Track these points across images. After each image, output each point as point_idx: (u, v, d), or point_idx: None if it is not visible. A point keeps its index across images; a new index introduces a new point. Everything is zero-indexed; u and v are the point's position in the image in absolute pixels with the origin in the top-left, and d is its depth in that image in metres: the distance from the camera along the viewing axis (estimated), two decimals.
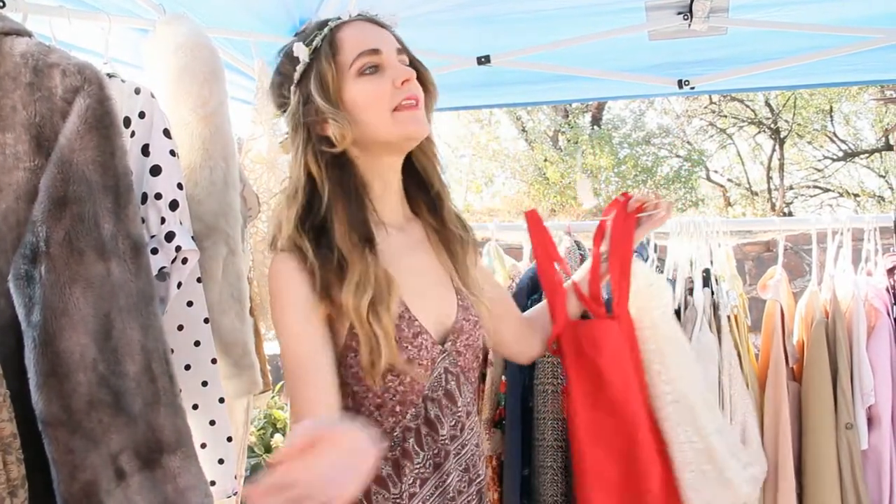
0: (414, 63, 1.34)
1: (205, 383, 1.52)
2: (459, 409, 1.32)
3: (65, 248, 1.12)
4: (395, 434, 1.28)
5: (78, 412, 1.10)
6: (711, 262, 2.33)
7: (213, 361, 1.56)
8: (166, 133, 1.47)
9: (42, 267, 1.10)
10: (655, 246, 2.43)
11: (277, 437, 3.97)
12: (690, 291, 2.29)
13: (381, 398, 1.27)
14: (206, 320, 1.55)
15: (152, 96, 1.41)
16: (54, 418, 1.09)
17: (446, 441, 1.29)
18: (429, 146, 1.39)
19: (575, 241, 2.42)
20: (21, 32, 1.18)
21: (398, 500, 1.28)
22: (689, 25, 2.55)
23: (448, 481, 1.28)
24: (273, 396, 3.71)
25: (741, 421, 2.13)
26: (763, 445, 2.15)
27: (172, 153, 1.47)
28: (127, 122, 1.44)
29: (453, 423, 1.31)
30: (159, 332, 1.21)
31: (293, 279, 1.25)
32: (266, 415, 4.09)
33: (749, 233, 5.46)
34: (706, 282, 2.27)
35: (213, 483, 1.55)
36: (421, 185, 1.41)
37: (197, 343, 1.54)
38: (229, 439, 1.58)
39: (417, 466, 1.28)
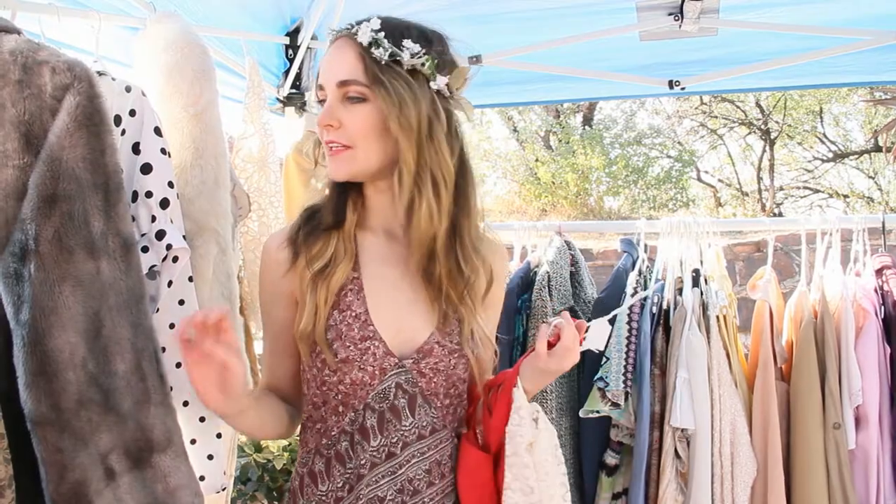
0: (373, 87, 1.23)
1: None
2: (406, 427, 1.28)
3: (54, 246, 1.11)
4: (333, 433, 1.29)
5: (67, 411, 1.08)
6: (701, 263, 2.34)
7: None
8: (157, 131, 1.47)
9: (31, 265, 1.09)
10: (646, 246, 2.44)
11: None
12: (680, 291, 2.30)
13: (326, 395, 1.29)
14: None
15: (143, 94, 1.41)
16: (43, 417, 1.08)
17: (376, 454, 1.27)
18: (403, 174, 1.26)
19: (565, 241, 2.43)
20: (10, 30, 1.17)
21: (324, 499, 1.29)
22: (680, 26, 2.57)
23: (373, 493, 1.26)
24: None
25: (730, 421, 2.14)
26: (752, 445, 2.17)
27: (163, 151, 1.47)
28: (117, 120, 1.43)
29: (395, 440, 1.27)
30: (149, 331, 1.20)
31: (270, 259, 1.36)
32: None
33: (739, 233, 5.49)
34: (696, 282, 2.28)
35: (202, 478, 1.55)
36: None
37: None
38: (219, 436, 1.58)
39: (348, 471, 1.28)
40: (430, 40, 1.28)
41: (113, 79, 1.48)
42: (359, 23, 1.26)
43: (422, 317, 1.31)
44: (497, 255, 1.42)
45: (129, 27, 2.03)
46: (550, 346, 1.30)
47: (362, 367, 1.26)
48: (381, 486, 1.26)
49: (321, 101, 1.29)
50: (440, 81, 1.27)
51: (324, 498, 1.29)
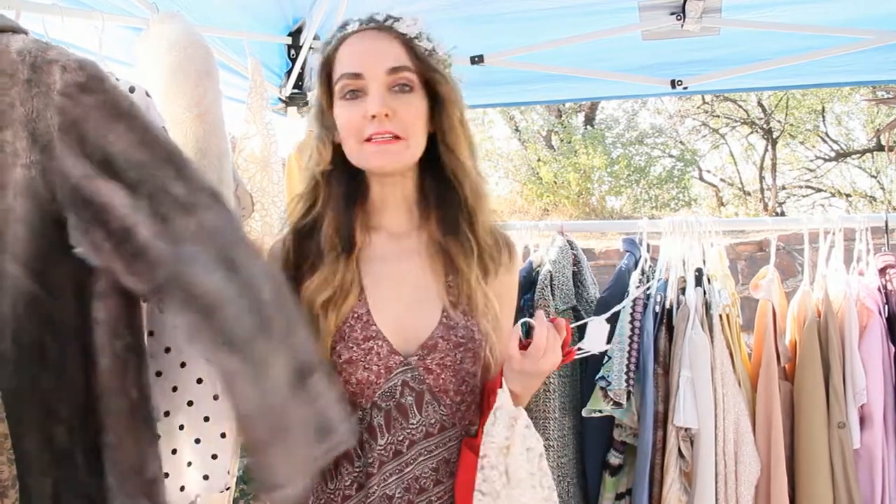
0: (419, 77, 1.26)
1: (199, 380, 1.52)
2: (413, 426, 1.28)
3: (156, 225, 1.11)
4: None
5: (241, 343, 1.08)
6: (704, 262, 2.34)
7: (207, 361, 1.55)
8: (162, 131, 1.47)
9: (142, 234, 1.10)
10: (648, 246, 2.44)
11: None
12: (683, 291, 2.30)
13: None
14: None
15: (147, 94, 1.40)
16: (223, 357, 1.08)
17: (384, 453, 1.27)
18: (454, 161, 1.30)
19: (568, 241, 2.43)
20: (16, 30, 1.18)
21: (332, 497, 1.29)
22: (682, 26, 2.56)
23: (382, 491, 1.26)
24: None
25: (734, 420, 2.14)
26: (755, 445, 2.16)
27: None
28: None
29: (401, 438, 1.27)
30: (266, 263, 1.21)
31: None
32: None
33: (742, 232, 5.49)
34: (698, 281, 2.28)
35: (206, 478, 1.55)
36: (441, 195, 1.33)
37: None
38: (223, 435, 1.58)
39: (356, 470, 1.28)
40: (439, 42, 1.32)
41: (117, 79, 1.47)
42: (391, 17, 1.27)
43: (425, 312, 1.30)
44: (511, 247, 1.42)
45: (132, 27, 2.03)
46: (525, 347, 1.24)
47: (367, 366, 1.26)
48: (390, 485, 1.26)
49: (350, 93, 1.26)
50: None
51: (332, 496, 1.29)
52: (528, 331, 1.23)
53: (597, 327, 1.37)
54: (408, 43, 1.26)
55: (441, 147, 1.31)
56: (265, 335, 1.11)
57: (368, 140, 1.24)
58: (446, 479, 1.29)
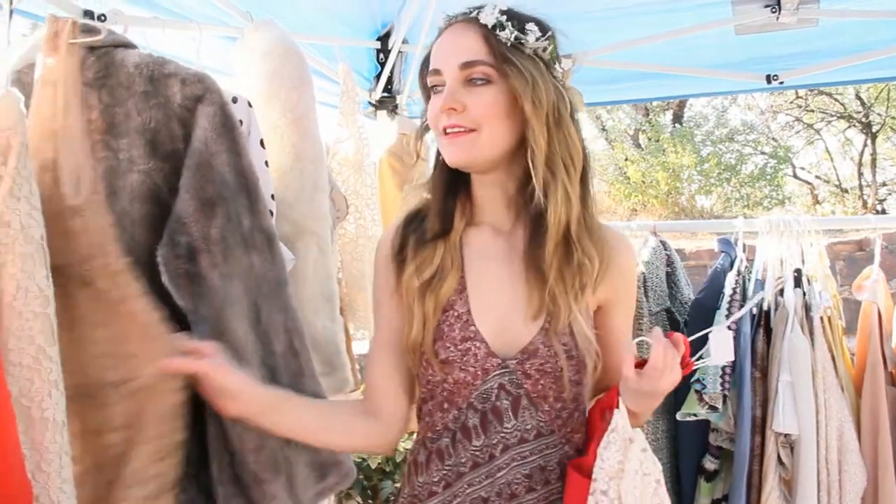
0: (496, 70, 1.21)
1: None
2: (508, 430, 1.25)
3: (221, 245, 1.22)
4: (437, 428, 1.29)
5: None
6: (803, 262, 2.27)
7: None
8: (262, 143, 1.50)
9: (203, 263, 1.20)
10: (744, 246, 2.37)
11: None
12: (781, 292, 2.23)
13: (432, 391, 1.29)
14: None
15: (249, 105, 1.44)
16: None
17: (478, 455, 1.26)
18: (531, 156, 1.24)
19: (661, 242, 2.39)
20: (129, 45, 1.24)
21: (420, 490, 1.29)
22: (778, 18, 2.48)
23: (473, 493, 1.25)
24: None
25: (837, 427, 2.06)
26: (861, 453, 2.08)
27: (266, 164, 1.51)
28: None
29: (495, 441, 1.25)
30: (294, 312, 1.37)
31: (381, 265, 1.37)
32: None
33: (839, 231, 5.29)
34: (797, 282, 2.21)
35: None
36: (531, 194, 1.27)
37: None
38: None
39: (446, 468, 1.27)
40: (547, 29, 1.26)
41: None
42: (477, 8, 1.24)
43: (527, 316, 1.26)
44: (625, 249, 1.36)
45: (228, 37, 2.09)
46: (640, 365, 1.17)
47: (463, 367, 1.25)
48: (484, 487, 1.25)
49: (434, 87, 1.26)
50: (559, 69, 1.26)
51: (420, 489, 1.30)
52: (644, 348, 1.17)
53: (720, 337, 1.24)
54: (487, 34, 1.22)
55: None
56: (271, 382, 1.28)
57: (445, 133, 1.24)
58: (540, 487, 1.26)
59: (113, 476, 1.12)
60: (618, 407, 1.20)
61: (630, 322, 1.39)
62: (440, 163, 1.33)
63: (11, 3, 1.11)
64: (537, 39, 1.23)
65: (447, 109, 1.22)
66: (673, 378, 1.15)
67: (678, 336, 1.17)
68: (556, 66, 1.26)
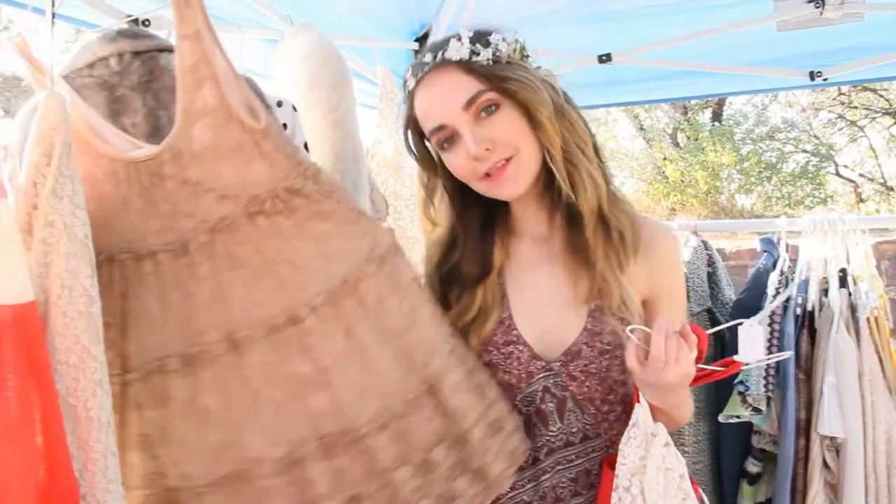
0: (496, 91, 1.20)
1: None
2: (553, 433, 1.25)
3: None
4: None
5: None
6: (848, 261, 2.22)
7: None
8: (306, 146, 1.51)
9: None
10: (787, 246, 2.33)
11: None
12: (825, 292, 2.19)
13: None
14: None
15: (294, 109, 1.45)
16: None
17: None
18: (550, 157, 1.24)
19: (702, 241, 2.37)
20: (173, 49, 1.25)
21: None
22: (822, 13, 2.44)
23: (516, 497, 1.26)
24: None
25: (885, 431, 2.02)
26: None
27: None
28: None
29: (539, 445, 1.25)
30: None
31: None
32: None
33: (885, 230, 5.18)
34: (843, 282, 2.17)
35: None
36: (560, 192, 1.27)
37: None
38: None
39: None
40: (507, 31, 1.24)
41: (265, 93, 1.53)
42: (437, 50, 1.22)
43: (568, 318, 1.26)
44: (667, 236, 1.34)
45: (268, 39, 2.11)
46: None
47: (507, 370, 1.26)
48: (527, 491, 1.26)
49: (443, 144, 1.24)
50: (532, 61, 1.26)
51: None
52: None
53: (750, 333, 1.15)
54: (467, 67, 1.20)
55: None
56: None
57: (488, 176, 1.22)
58: (585, 492, 1.26)
59: None
60: (638, 401, 1.18)
61: (682, 317, 1.34)
62: (469, 204, 1.32)
63: (54, 5, 1.12)
64: (509, 45, 1.22)
65: (481, 154, 1.20)
66: (680, 370, 1.09)
67: (688, 326, 1.12)
68: (530, 59, 1.26)
